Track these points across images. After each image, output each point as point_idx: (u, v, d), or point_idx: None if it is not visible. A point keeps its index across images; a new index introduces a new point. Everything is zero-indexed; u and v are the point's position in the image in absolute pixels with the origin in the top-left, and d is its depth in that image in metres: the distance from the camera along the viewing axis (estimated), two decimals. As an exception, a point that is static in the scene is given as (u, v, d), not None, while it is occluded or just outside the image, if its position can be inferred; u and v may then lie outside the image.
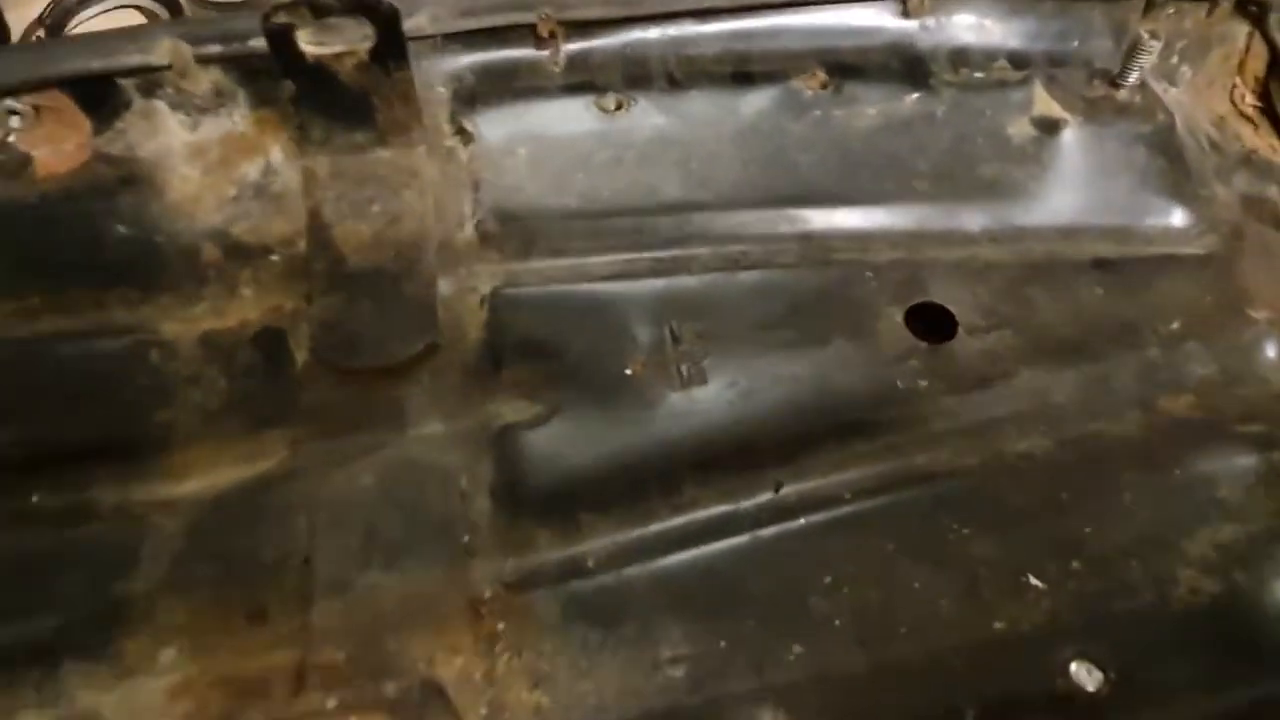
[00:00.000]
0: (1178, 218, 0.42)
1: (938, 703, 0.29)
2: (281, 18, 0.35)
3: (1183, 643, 0.30)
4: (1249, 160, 0.46)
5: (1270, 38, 0.48)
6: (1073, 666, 0.29)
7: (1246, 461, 0.33)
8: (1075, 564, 0.31)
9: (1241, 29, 0.48)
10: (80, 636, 0.31)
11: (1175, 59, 0.49)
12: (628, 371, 0.36)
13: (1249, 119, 0.49)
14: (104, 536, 0.34)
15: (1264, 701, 0.27)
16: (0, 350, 0.38)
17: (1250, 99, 0.50)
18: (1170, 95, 0.48)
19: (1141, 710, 0.28)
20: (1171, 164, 0.43)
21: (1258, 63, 0.49)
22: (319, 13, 0.35)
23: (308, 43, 0.36)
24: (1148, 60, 0.43)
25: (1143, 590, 0.31)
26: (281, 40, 0.36)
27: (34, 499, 0.34)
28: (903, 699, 0.29)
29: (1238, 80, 0.50)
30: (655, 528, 0.32)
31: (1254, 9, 0.47)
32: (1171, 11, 0.47)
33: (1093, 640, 0.30)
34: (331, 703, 0.27)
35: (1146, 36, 0.42)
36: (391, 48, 0.37)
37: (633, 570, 0.31)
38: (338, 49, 0.37)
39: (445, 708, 0.24)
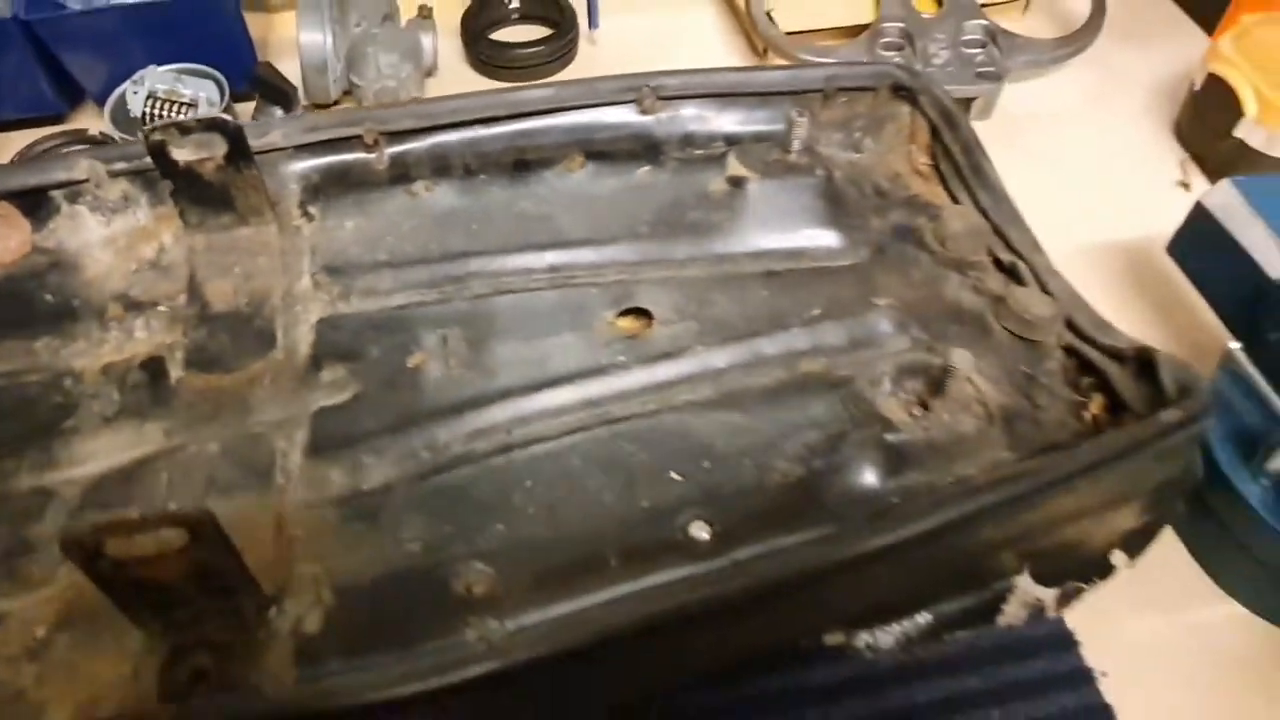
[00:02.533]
0: (832, 240, 0.57)
1: (594, 554, 0.41)
2: (158, 135, 0.50)
3: (770, 507, 0.43)
4: (910, 201, 0.62)
5: (926, 114, 0.64)
6: (691, 526, 0.42)
7: (835, 392, 0.47)
8: (705, 463, 0.44)
9: (904, 108, 0.65)
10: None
11: (858, 134, 0.65)
12: (410, 364, 0.50)
13: (921, 174, 0.65)
14: (19, 504, 0.46)
15: (818, 539, 0.40)
16: None
17: (923, 159, 0.66)
18: (856, 159, 0.64)
19: (736, 548, 0.41)
20: (829, 205, 0.58)
21: (923, 133, 0.65)
22: (184, 131, 0.50)
23: (178, 153, 0.52)
24: (801, 133, 0.59)
25: (749, 476, 0.44)
26: (160, 151, 0.51)
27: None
28: (570, 553, 0.41)
29: (912, 146, 0.66)
30: (414, 466, 0.45)
31: (905, 93, 0.64)
32: (845, 100, 0.64)
33: (708, 508, 0.43)
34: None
35: (795, 115, 0.59)
36: (239, 154, 0.52)
37: (394, 491, 0.44)
38: (200, 156, 0.52)
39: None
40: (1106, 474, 0.41)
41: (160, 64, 0.79)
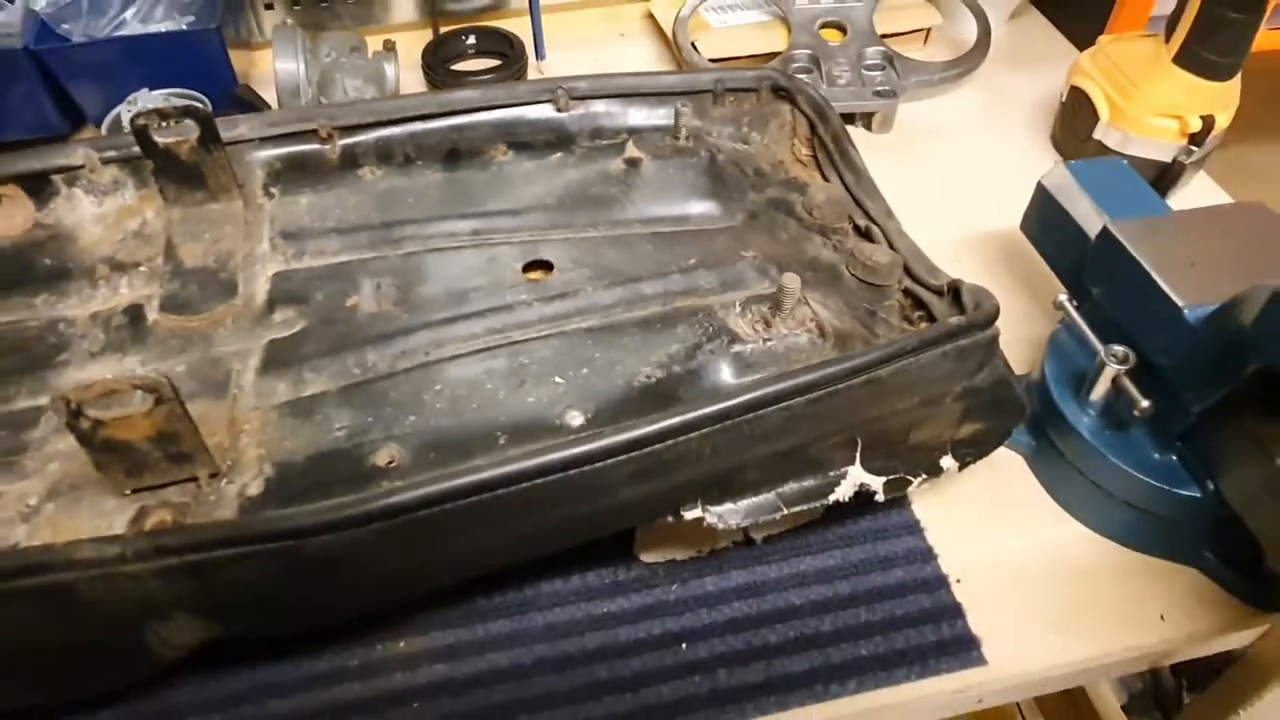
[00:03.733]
0: (713, 209, 0.67)
1: (487, 435, 0.51)
2: (141, 121, 0.61)
3: (635, 400, 0.52)
4: (787, 182, 0.72)
5: (803, 111, 0.75)
6: (567, 414, 0.51)
7: (696, 317, 0.57)
8: (584, 371, 0.54)
9: (785, 107, 0.76)
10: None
11: (745, 128, 0.76)
12: (348, 304, 0.60)
13: (801, 162, 0.76)
14: (18, 418, 0.55)
15: (663, 414, 0.48)
16: None
17: (804, 150, 0.76)
18: (743, 148, 0.74)
19: (601, 428, 0.50)
20: (712, 181, 0.68)
21: (804, 128, 0.76)
22: (164, 117, 0.61)
23: (158, 135, 0.62)
24: (686, 121, 0.70)
25: (620, 379, 0.53)
26: (144, 135, 0.61)
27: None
28: (467, 435, 0.51)
29: (795, 140, 0.77)
30: (346, 379, 0.55)
31: (784, 94, 0.75)
32: (732, 99, 0.75)
33: (584, 403, 0.52)
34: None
35: (680, 107, 0.70)
36: (209, 137, 0.62)
37: (328, 396, 0.54)
38: (177, 139, 0.62)
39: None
40: (907, 366, 0.50)
41: (152, 88, 0.90)
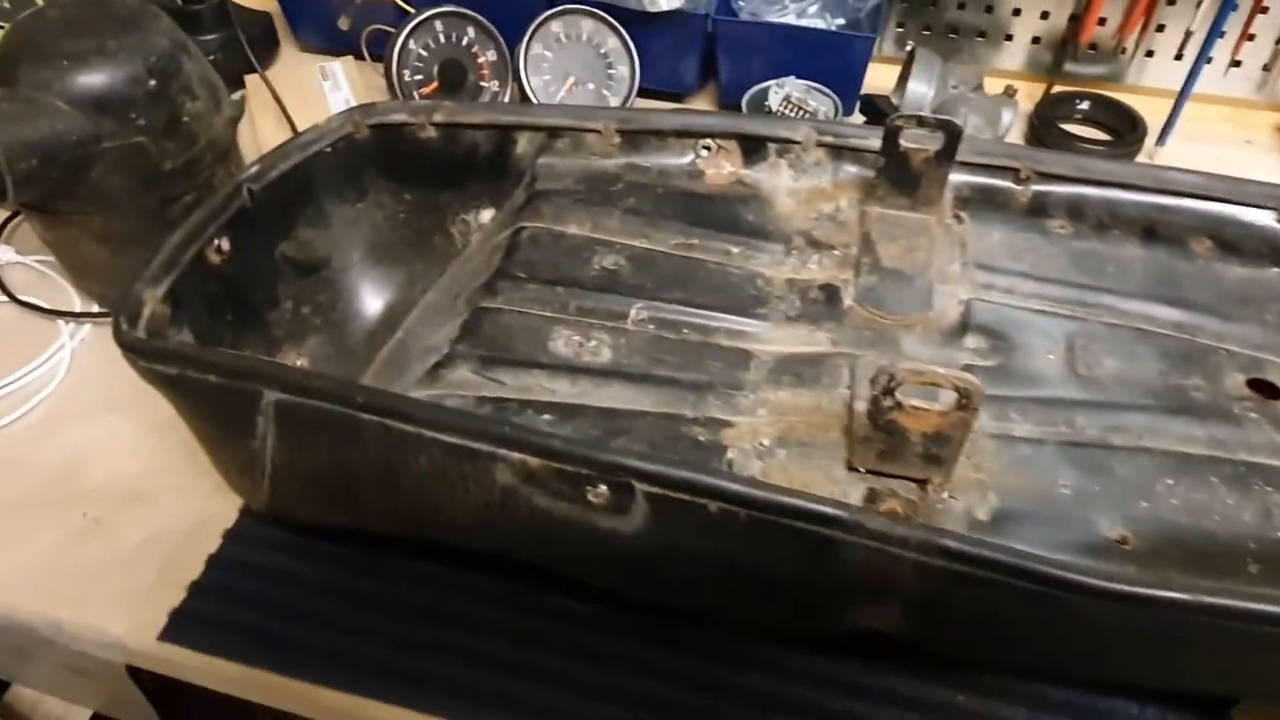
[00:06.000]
0: None
1: (1235, 555, 0.47)
2: (898, 123, 0.63)
3: None
4: None
5: None
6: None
7: None
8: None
9: None
10: (716, 395, 0.57)
11: None
12: (1049, 356, 0.58)
13: None
14: (728, 356, 0.60)
15: None
16: (669, 261, 0.67)
17: None
18: None
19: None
20: None
21: None
22: (920, 123, 0.63)
23: (904, 143, 0.64)
24: None
25: None
26: (892, 136, 0.64)
27: (684, 331, 0.62)
28: (1210, 549, 0.47)
29: None
30: (1054, 433, 0.53)
31: None
32: None
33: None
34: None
35: None
36: (948, 153, 0.64)
37: (1044, 445, 0.53)
38: (918, 146, 0.65)
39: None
40: None
41: (799, 78, 0.95)
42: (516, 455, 0.45)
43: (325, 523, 0.58)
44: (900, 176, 0.66)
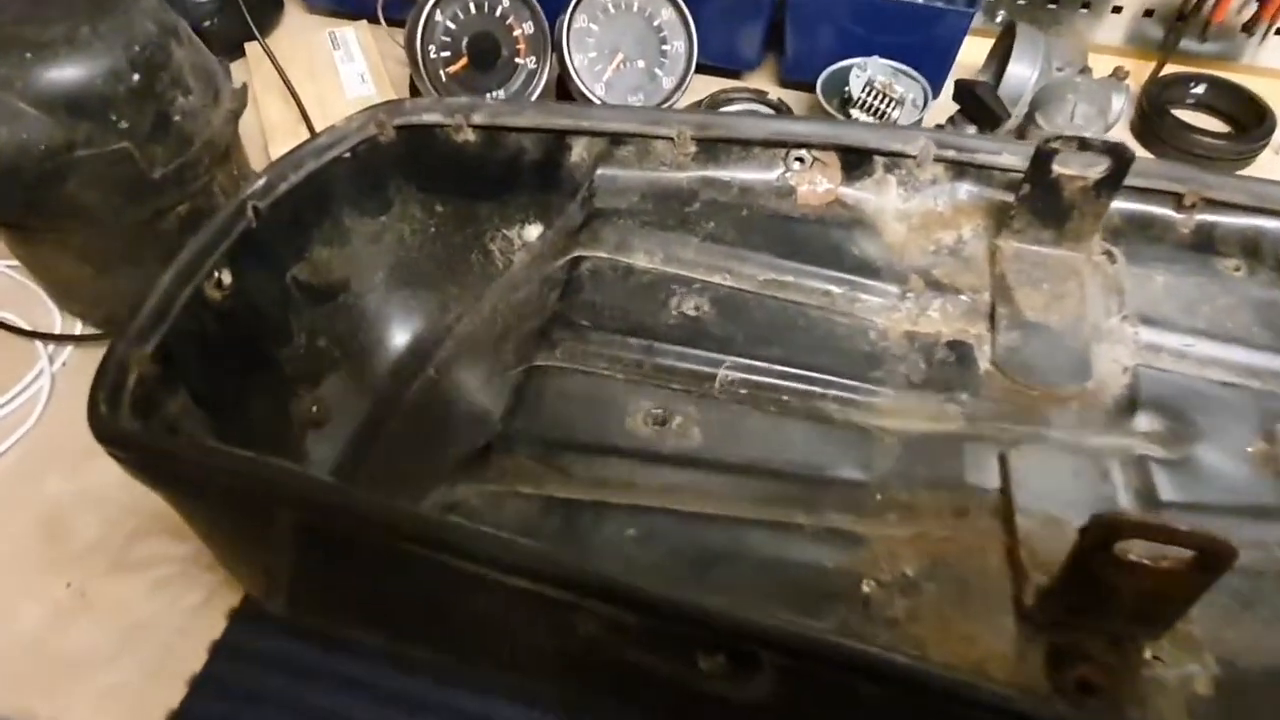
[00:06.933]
0: None
1: None
2: (1054, 144, 0.51)
3: None
4: None
5: None
6: None
7: None
8: None
9: None
10: (835, 494, 0.46)
11: None
12: (1249, 450, 0.47)
13: None
14: (843, 437, 0.49)
15: None
16: (760, 305, 0.55)
17: None
18: None
19: None
20: None
21: None
22: (1082, 146, 0.51)
23: (1058, 164, 0.52)
24: None
25: None
26: (1044, 159, 0.52)
27: (785, 398, 0.51)
28: None
29: None
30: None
31: None
32: None
33: None
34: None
35: None
36: (1113, 182, 0.52)
37: (1264, 575, 0.41)
38: (1075, 172, 0.52)
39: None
40: None
41: (881, 57, 0.82)
42: (606, 609, 0.35)
43: (358, 638, 0.48)
44: (1047, 207, 0.54)
